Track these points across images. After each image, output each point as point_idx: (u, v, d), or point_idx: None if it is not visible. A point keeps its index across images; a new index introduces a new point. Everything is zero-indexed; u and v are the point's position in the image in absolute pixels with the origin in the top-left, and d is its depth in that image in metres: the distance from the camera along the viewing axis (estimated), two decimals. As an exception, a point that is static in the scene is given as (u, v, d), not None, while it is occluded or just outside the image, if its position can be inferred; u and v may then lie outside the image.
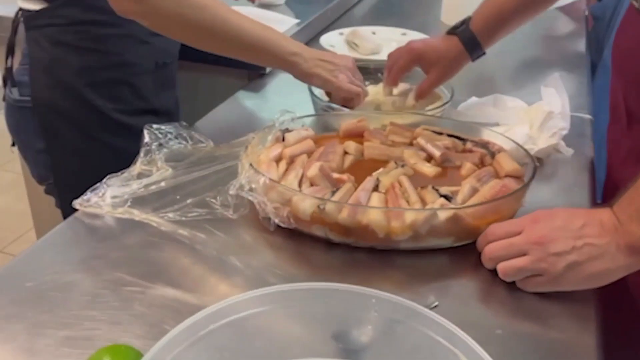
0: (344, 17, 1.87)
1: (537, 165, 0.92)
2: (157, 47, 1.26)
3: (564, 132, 1.10)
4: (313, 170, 0.89)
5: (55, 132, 1.23)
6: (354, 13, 1.92)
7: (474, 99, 1.27)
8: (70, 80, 1.20)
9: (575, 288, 0.77)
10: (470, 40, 1.17)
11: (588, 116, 1.27)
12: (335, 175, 0.90)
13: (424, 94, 1.21)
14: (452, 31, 1.19)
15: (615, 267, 0.75)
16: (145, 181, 0.98)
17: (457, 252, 0.86)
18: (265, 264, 0.84)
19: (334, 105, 1.15)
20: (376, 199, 0.86)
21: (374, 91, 1.27)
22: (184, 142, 1.08)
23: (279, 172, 0.92)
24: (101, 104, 1.21)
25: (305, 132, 1.02)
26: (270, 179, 0.85)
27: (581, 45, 1.69)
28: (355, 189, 0.88)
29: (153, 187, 0.96)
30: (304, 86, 1.20)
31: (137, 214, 0.91)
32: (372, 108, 1.21)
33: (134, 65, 1.23)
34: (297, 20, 1.58)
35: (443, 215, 0.81)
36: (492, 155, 0.98)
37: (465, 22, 1.19)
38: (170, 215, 0.90)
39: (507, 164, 0.94)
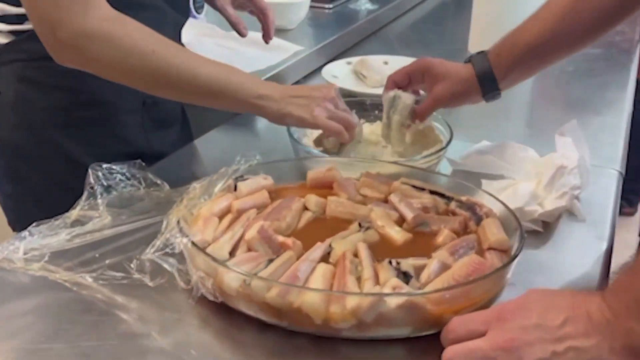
0: (361, 44, 1.72)
1: (525, 236, 0.75)
2: None
3: (577, 192, 0.93)
4: (251, 232, 0.74)
5: (20, 177, 1.12)
6: (374, 40, 1.77)
7: (484, 143, 1.10)
8: (37, 121, 1.08)
9: None
10: (483, 70, 1.00)
11: (616, 171, 1.09)
12: (281, 238, 0.75)
13: (424, 113, 1.04)
14: (468, 59, 1.04)
15: None
16: (76, 230, 0.86)
17: (418, 342, 0.70)
18: (186, 343, 0.70)
19: (312, 150, 1.01)
20: (320, 272, 0.70)
21: (369, 130, 1.12)
22: (138, 185, 0.96)
23: (217, 230, 0.78)
24: (72, 148, 1.09)
25: (264, 181, 0.88)
26: (193, 243, 0.71)
27: (623, 85, 1.50)
28: (299, 257, 0.73)
29: (78, 240, 0.84)
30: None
31: (53, 272, 0.79)
32: (365, 149, 1.06)
33: (112, 105, 1.10)
34: (301, 47, 1.44)
35: (393, 302, 0.65)
36: (479, 220, 0.81)
37: (484, 52, 1.03)
38: (88, 277, 0.77)
39: (491, 234, 0.77)
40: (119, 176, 0.95)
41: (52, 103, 1.08)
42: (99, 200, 0.91)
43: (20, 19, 1.05)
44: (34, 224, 0.85)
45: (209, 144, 1.18)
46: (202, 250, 0.71)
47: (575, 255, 0.87)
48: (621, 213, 2.63)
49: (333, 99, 1.00)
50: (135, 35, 0.90)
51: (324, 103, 0.98)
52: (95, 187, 0.92)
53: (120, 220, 0.89)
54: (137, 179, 0.96)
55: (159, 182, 0.96)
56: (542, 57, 1.01)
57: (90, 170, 0.92)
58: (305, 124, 0.98)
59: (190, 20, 1.61)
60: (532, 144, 1.06)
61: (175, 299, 0.74)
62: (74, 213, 0.89)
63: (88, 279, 0.77)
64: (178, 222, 0.75)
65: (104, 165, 0.94)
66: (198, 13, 1.63)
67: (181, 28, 1.19)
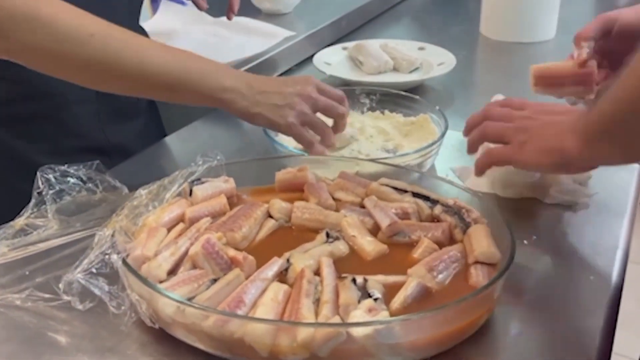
0: (364, 29, 1.60)
1: (515, 246, 0.64)
2: None
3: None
4: (196, 246, 0.64)
5: None
6: (377, 25, 1.65)
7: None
8: None
9: (532, 161, 0.73)
10: None
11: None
12: (231, 252, 0.65)
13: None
14: None
15: (561, 146, 0.69)
16: (17, 242, 0.77)
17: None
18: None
19: (288, 147, 0.90)
20: (271, 295, 0.60)
21: (357, 121, 1.00)
22: (94, 189, 0.86)
23: (162, 244, 0.68)
24: (15, 144, 0.99)
25: (224, 184, 0.77)
26: (123, 260, 0.61)
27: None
28: (249, 276, 0.63)
29: (15, 252, 0.75)
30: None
31: (-19, 291, 0.70)
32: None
33: (61, 95, 1.00)
34: (292, 33, 1.33)
35: (355, 332, 0.55)
36: (466, 227, 0.70)
37: None
38: (16, 298, 0.68)
39: (478, 244, 0.66)
40: (72, 179, 0.86)
41: None
42: (48, 207, 0.81)
43: None
44: (-31, 236, 0.76)
45: (184, 140, 1.08)
46: (132, 269, 0.61)
47: (583, 264, 0.75)
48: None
49: (309, 96, 0.87)
50: (68, 15, 0.78)
51: (300, 104, 0.85)
52: (45, 192, 0.83)
53: (69, 229, 0.80)
54: (93, 182, 0.86)
55: (118, 185, 0.86)
56: None
57: (39, 174, 0.82)
58: (278, 129, 0.87)
59: (178, 7, 1.52)
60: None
61: (111, 323, 0.64)
62: (19, 222, 0.80)
63: (16, 301, 0.68)
64: (113, 234, 0.65)
65: (57, 168, 0.85)
66: (187, -1, 1.53)
67: (138, 10, 1.08)
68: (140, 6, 1.09)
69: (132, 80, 0.80)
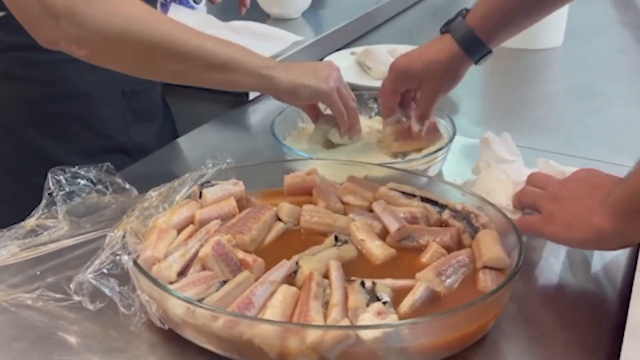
0: (372, 34, 1.61)
1: (523, 251, 0.64)
2: (122, 72, 1.05)
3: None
4: (206, 247, 0.65)
5: None
6: (385, 30, 1.66)
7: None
8: (5, 116, 1.01)
9: (561, 235, 0.69)
10: (466, 36, 0.90)
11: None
12: (240, 254, 0.66)
13: (424, 115, 0.94)
14: (444, 27, 0.94)
15: (590, 221, 0.65)
16: (28, 242, 0.78)
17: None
18: (132, 375, 0.61)
19: (296, 150, 0.90)
20: (279, 297, 0.60)
21: (366, 125, 1.01)
22: (104, 190, 0.87)
23: (172, 245, 0.68)
24: (45, 145, 1.01)
25: (233, 187, 0.78)
26: (134, 262, 0.62)
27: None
28: (258, 278, 0.63)
29: (27, 253, 0.75)
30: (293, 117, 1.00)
31: (-8, 291, 0.71)
32: (360, 146, 0.96)
33: (89, 96, 1.02)
34: (300, 38, 1.34)
35: (363, 335, 0.55)
36: (475, 232, 0.70)
37: (460, 14, 0.92)
38: (27, 298, 0.69)
39: (486, 249, 0.66)
40: (83, 181, 0.87)
41: (20, 97, 1.00)
42: (58, 208, 0.82)
43: None
44: (-19, 235, 0.77)
45: (194, 143, 1.09)
46: (143, 270, 0.61)
47: (590, 269, 0.75)
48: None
49: (338, 69, 0.94)
50: (136, 2, 0.82)
51: (333, 71, 0.92)
52: (55, 193, 0.84)
53: (79, 230, 0.80)
54: (103, 183, 0.87)
55: (127, 187, 0.87)
56: (538, 8, 0.92)
57: (49, 175, 0.83)
58: (321, 95, 0.91)
59: (187, 11, 1.53)
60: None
61: (121, 323, 0.65)
62: (30, 222, 0.81)
63: (27, 301, 0.68)
64: (124, 236, 0.66)
65: (67, 169, 0.85)
66: (197, 3, 1.54)
67: None
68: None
69: (191, 60, 0.83)
